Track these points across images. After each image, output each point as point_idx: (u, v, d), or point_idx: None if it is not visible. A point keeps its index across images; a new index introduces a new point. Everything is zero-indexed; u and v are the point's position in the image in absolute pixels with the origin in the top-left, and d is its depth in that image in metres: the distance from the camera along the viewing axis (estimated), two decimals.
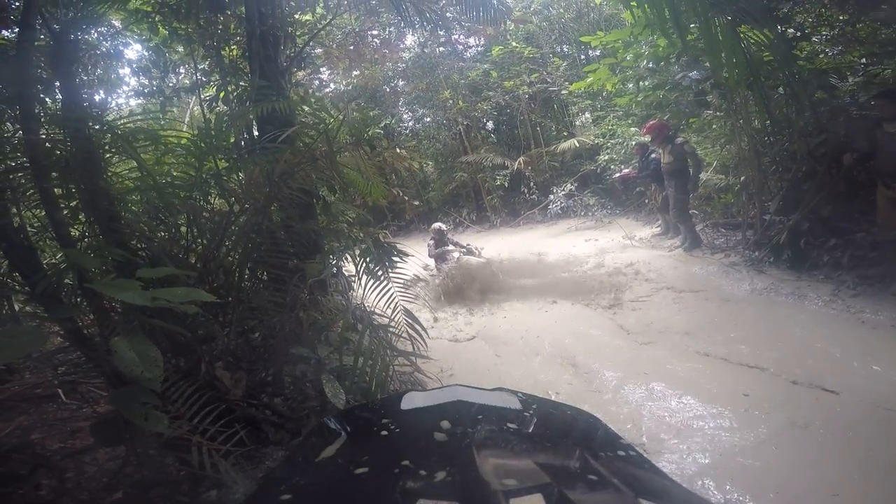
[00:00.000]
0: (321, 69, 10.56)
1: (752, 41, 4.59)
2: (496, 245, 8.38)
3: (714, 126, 6.57)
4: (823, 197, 4.56)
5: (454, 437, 0.90)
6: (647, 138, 6.50)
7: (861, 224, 4.37)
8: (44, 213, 2.05)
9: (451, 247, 6.78)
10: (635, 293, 5.02)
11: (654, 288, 5.11)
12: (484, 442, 0.89)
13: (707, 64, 5.34)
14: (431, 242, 6.92)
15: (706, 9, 3.45)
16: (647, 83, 6.96)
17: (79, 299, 1.86)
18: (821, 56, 5.33)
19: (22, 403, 1.86)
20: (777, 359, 3.26)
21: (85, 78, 4.73)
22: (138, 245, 2.24)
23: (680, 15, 3.33)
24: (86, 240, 2.20)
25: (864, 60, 5.19)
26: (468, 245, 7.02)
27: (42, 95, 2.80)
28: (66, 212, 2.08)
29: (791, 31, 5.25)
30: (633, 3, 3.29)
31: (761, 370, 3.15)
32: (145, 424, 1.10)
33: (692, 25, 3.73)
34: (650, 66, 6.51)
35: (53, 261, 2.60)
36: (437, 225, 7.19)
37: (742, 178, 5.96)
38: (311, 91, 9.26)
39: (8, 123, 2.42)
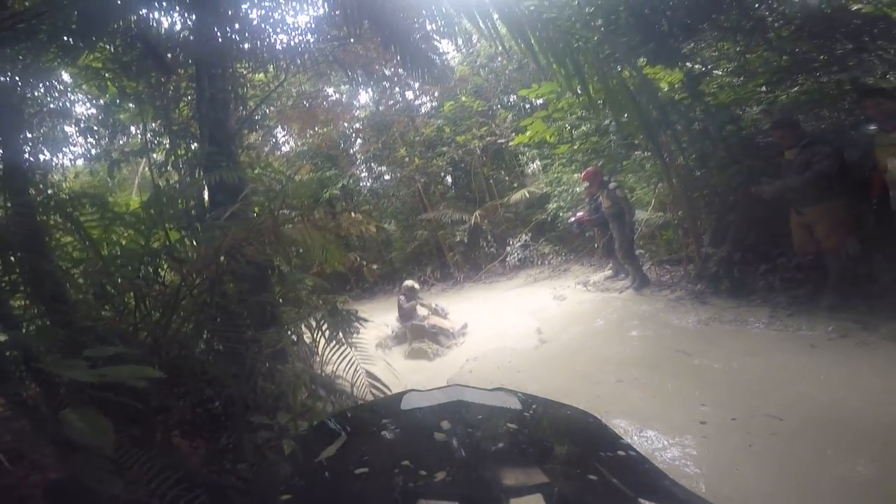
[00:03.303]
0: (274, 131, 10.54)
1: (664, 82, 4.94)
2: (460, 305, 8.18)
3: (647, 166, 6.87)
4: (746, 226, 4.91)
5: (454, 437, 0.90)
6: (586, 185, 6.78)
7: (783, 247, 4.68)
8: None
9: (418, 306, 6.94)
10: (586, 339, 5.13)
11: (604, 329, 5.25)
12: (484, 442, 0.90)
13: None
14: (402, 297, 7.10)
15: (601, 63, 3.76)
16: (582, 129, 7.31)
17: (23, 374, 1.79)
18: (725, 89, 5.56)
19: None
20: (725, 383, 3.41)
21: (29, 135, 4.48)
22: (84, 323, 2.17)
23: (582, 69, 3.56)
24: (29, 318, 2.12)
25: (763, 89, 5.43)
26: (434, 305, 7.21)
27: None
28: (7, 288, 2.02)
29: (697, 66, 5.58)
30: (542, 58, 3.52)
31: (713, 398, 3.23)
32: (101, 487, 1.08)
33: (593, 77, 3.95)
34: (581, 113, 6.88)
35: None
36: (408, 282, 7.46)
37: (679, 213, 6.26)
38: (263, 154, 9.26)
39: None
